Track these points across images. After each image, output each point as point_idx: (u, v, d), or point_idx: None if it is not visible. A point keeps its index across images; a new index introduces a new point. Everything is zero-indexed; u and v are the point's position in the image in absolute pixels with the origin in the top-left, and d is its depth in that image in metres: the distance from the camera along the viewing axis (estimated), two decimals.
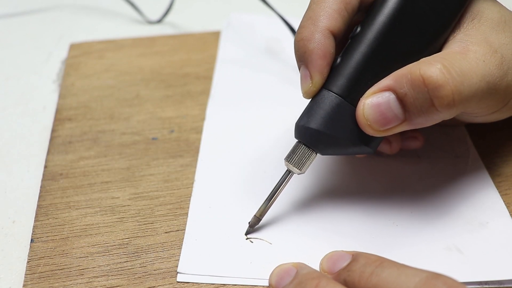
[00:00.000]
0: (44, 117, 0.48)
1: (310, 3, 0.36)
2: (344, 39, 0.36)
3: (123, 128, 0.45)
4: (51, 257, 0.35)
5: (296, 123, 0.35)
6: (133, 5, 0.61)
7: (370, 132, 0.34)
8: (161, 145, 0.44)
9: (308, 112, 0.35)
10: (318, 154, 0.35)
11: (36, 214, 0.38)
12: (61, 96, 0.49)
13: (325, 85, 0.35)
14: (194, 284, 0.34)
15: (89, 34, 0.58)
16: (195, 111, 0.47)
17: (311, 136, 0.34)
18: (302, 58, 0.35)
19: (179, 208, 0.39)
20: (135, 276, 0.34)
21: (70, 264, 0.35)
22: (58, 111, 0.47)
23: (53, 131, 0.45)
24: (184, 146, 0.44)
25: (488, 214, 0.37)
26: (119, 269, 0.35)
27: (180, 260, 0.35)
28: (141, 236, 0.37)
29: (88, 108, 0.47)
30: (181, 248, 0.36)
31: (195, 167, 0.42)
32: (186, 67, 0.52)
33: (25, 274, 0.34)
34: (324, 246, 0.35)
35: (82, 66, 0.52)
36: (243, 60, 0.52)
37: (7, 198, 0.41)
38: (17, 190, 0.42)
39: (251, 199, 0.38)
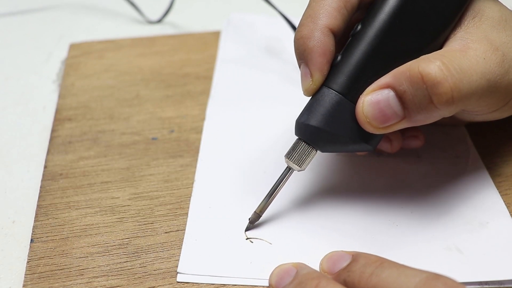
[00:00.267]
0: (44, 117, 0.48)
1: (309, 1, 0.36)
2: (343, 37, 0.36)
3: (123, 128, 0.45)
4: (51, 257, 0.35)
5: (296, 120, 0.35)
6: (133, 5, 0.61)
7: (369, 129, 0.34)
8: (161, 145, 0.44)
9: (308, 109, 0.35)
10: (318, 151, 0.35)
11: (36, 214, 0.38)
12: (61, 96, 0.49)
13: (326, 82, 0.35)
14: (194, 284, 0.34)
15: (89, 34, 0.58)
16: (195, 111, 0.47)
17: (311, 133, 0.34)
18: (302, 56, 0.35)
19: (179, 208, 0.39)
20: (135, 276, 0.34)
21: (70, 264, 0.35)
22: (58, 111, 0.47)
23: (53, 131, 0.45)
24: (184, 146, 0.44)
25: (488, 214, 0.37)
26: (119, 269, 0.35)
27: (180, 260, 0.35)
28: (141, 236, 0.37)
29: (88, 108, 0.47)
30: (181, 248, 0.36)
31: (195, 167, 0.42)
32: (186, 67, 0.52)
33: (25, 274, 0.34)
34: (324, 246, 0.35)
35: (82, 66, 0.52)
36: (243, 60, 0.52)
37: (7, 198, 0.41)
38: (17, 190, 0.42)
39: (251, 199, 0.38)
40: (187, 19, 0.61)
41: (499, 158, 0.42)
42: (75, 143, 0.44)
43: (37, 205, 0.39)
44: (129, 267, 0.35)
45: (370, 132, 0.34)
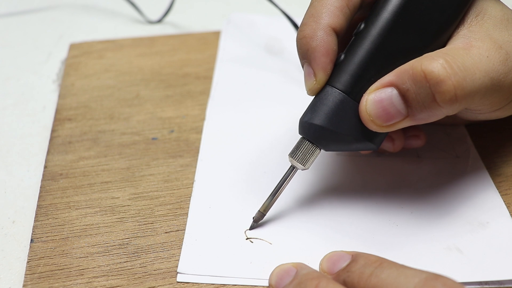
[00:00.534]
0: (44, 117, 0.48)
1: (312, 0, 0.36)
2: (346, 36, 0.36)
3: (123, 128, 0.45)
4: (51, 257, 0.35)
5: (300, 119, 0.35)
6: (133, 5, 0.61)
7: (373, 127, 0.34)
8: (161, 145, 0.44)
9: (312, 108, 0.35)
10: (322, 150, 0.35)
11: (36, 214, 0.38)
12: (61, 96, 0.49)
13: (329, 81, 0.35)
14: (194, 284, 0.34)
15: (89, 34, 0.58)
16: (195, 111, 0.47)
17: (315, 132, 0.34)
18: (305, 55, 0.35)
19: (179, 208, 0.39)
20: (135, 276, 0.34)
21: (70, 264, 0.35)
22: (58, 111, 0.47)
23: (53, 131, 0.45)
24: (184, 146, 0.44)
25: (488, 214, 0.37)
26: (119, 269, 0.35)
27: (180, 260, 0.35)
28: (141, 236, 0.37)
29: (88, 108, 0.47)
30: (181, 248, 0.36)
31: (195, 167, 0.42)
32: (186, 67, 0.52)
33: (25, 274, 0.34)
34: (324, 246, 0.35)
35: (82, 66, 0.52)
36: (243, 60, 0.52)
37: (7, 198, 0.41)
38: (17, 190, 0.42)
39: (251, 199, 0.38)
40: (187, 19, 0.61)
41: (499, 158, 0.42)
42: (75, 143, 0.44)
43: (37, 205, 0.39)
44: (129, 267, 0.35)
45: (374, 130, 0.34)
